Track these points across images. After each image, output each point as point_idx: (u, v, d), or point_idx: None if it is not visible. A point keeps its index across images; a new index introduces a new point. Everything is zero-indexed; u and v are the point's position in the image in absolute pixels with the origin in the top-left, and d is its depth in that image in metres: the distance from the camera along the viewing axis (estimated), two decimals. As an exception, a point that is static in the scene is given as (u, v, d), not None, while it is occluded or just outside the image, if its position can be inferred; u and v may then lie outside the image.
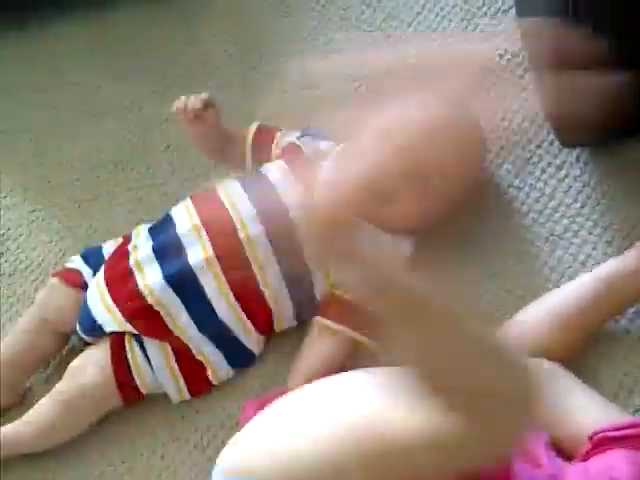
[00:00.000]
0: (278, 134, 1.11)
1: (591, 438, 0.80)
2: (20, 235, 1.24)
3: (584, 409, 0.83)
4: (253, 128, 1.12)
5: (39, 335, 1.08)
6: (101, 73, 1.35)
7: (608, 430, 0.79)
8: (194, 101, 1.06)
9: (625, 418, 0.83)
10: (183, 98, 1.07)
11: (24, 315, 1.11)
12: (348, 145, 1.04)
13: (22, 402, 1.08)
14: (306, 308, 1.01)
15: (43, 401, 1.03)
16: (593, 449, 0.80)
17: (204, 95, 1.07)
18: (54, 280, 1.10)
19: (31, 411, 1.03)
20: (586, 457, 0.80)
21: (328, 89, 0.70)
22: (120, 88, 1.33)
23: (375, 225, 0.99)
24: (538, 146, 1.10)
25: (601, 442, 0.79)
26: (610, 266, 0.93)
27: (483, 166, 1.08)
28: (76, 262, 1.11)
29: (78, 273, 1.09)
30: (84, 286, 1.07)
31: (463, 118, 1.03)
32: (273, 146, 1.10)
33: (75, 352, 1.07)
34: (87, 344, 1.06)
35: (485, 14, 1.23)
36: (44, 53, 1.41)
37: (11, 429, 1.03)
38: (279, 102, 1.13)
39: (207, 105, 1.07)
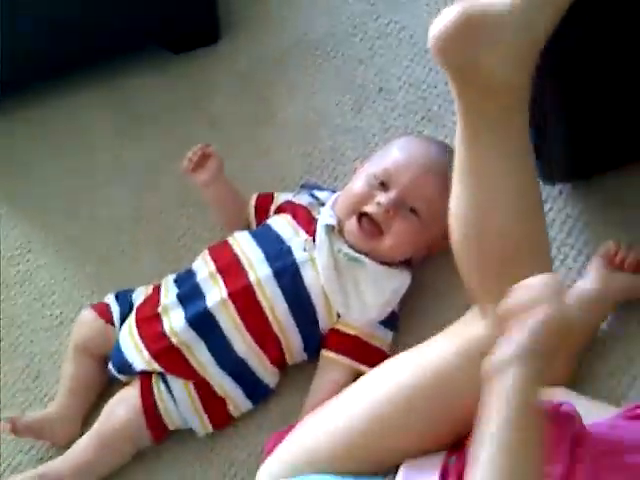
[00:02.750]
0: (275, 194, 1.23)
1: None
2: (54, 292, 1.34)
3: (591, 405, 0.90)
4: (254, 196, 1.24)
5: (77, 361, 1.19)
6: (118, 135, 1.47)
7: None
8: (194, 151, 1.19)
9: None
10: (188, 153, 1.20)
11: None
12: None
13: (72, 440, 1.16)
14: (314, 342, 1.12)
15: (82, 439, 1.13)
16: None
17: (202, 145, 1.19)
18: (85, 311, 1.23)
19: (70, 449, 1.13)
20: None
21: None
22: (137, 151, 1.44)
23: (372, 257, 1.10)
24: (524, 182, 1.20)
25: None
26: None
27: None
28: (108, 298, 1.23)
29: (107, 307, 1.21)
30: (110, 319, 1.19)
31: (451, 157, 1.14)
32: (272, 206, 1.22)
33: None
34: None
35: (469, 63, 1.33)
36: (66, 117, 1.52)
37: (52, 466, 1.13)
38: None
39: (206, 154, 1.19)
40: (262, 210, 1.23)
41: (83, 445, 1.12)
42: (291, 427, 0.99)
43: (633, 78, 0.98)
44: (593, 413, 0.86)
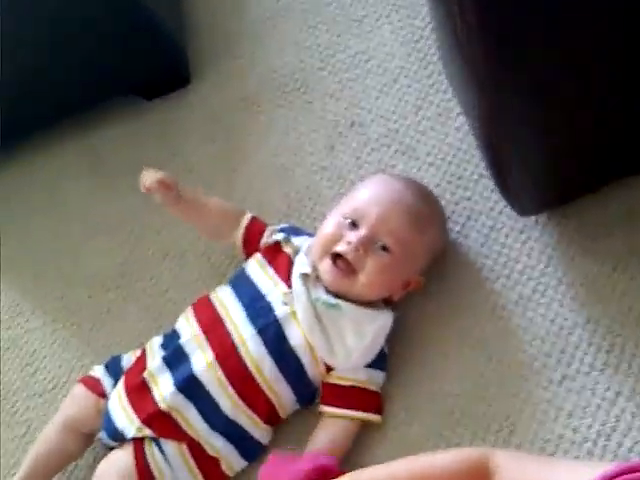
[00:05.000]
0: (267, 230, 1.21)
1: None
2: (45, 356, 1.34)
3: (557, 477, 0.89)
4: (246, 220, 1.23)
5: (63, 436, 1.18)
6: (94, 191, 1.46)
7: None
8: (143, 179, 1.20)
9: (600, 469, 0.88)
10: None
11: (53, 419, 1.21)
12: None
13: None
14: (305, 393, 1.12)
15: None
16: None
17: (150, 174, 1.20)
18: (77, 386, 1.22)
19: None
20: None
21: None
22: (115, 203, 1.43)
23: (350, 299, 1.09)
24: (500, 212, 1.19)
25: None
26: None
27: (443, 234, 1.17)
28: (98, 371, 1.22)
29: (98, 381, 1.20)
30: (102, 394, 1.18)
31: (419, 192, 1.13)
32: (262, 243, 1.21)
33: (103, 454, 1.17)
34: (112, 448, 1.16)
35: (437, 91, 1.32)
36: (39, 177, 1.52)
37: None
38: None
39: (157, 182, 1.18)
40: (251, 244, 1.22)
41: None
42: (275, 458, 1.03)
43: (595, 98, 0.97)
44: None
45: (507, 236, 1.17)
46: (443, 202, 1.21)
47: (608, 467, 0.81)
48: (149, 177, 1.19)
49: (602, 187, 1.10)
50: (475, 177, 1.23)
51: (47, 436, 1.20)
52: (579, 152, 1.03)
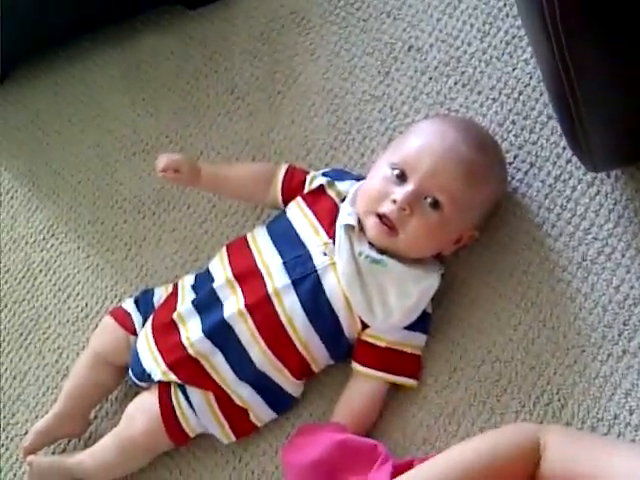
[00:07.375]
0: (308, 178, 1.12)
1: None
2: (78, 282, 1.30)
3: (613, 462, 0.82)
4: (282, 171, 1.14)
5: (95, 368, 1.15)
6: (136, 107, 1.37)
7: None
8: (157, 163, 1.14)
9: None
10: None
11: (84, 351, 1.19)
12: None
13: (85, 432, 1.17)
14: (340, 350, 1.06)
15: (105, 439, 1.11)
16: None
17: (163, 159, 1.13)
18: (107, 318, 1.18)
19: (96, 445, 1.12)
20: None
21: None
22: (154, 123, 1.34)
23: (396, 257, 1.02)
24: (568, 161, 1.08)
25: None
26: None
27: (502, 184, 1.07)
28: (129, 306, 1.17)
29: (129, 317, 1.16)
30: (132, 330, 1.15)
31: (476, 139, 1.02)
32: (305, 190, 1.12)
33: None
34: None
35: (507, 15, 1.19)
36: (79, 86, 1.43)
37: (79, 458, 1.13)
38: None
39: (170, 167, 1.12)
40: (291, 193, 1.13)
41: (105, 447, 1.11)
42: (302, 429, 1.01)
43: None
44: None
45: (574, 189, 1.06)
46: (505, 145, 1.11)
47: None
48: (160, 161, 1.14)
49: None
50: (543, 118, 1.11)
51: (79, 370, 1.17)
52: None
